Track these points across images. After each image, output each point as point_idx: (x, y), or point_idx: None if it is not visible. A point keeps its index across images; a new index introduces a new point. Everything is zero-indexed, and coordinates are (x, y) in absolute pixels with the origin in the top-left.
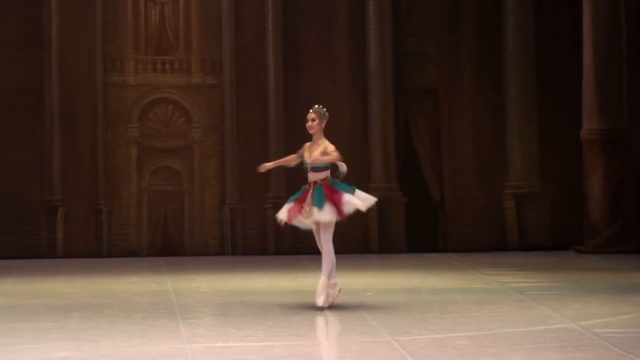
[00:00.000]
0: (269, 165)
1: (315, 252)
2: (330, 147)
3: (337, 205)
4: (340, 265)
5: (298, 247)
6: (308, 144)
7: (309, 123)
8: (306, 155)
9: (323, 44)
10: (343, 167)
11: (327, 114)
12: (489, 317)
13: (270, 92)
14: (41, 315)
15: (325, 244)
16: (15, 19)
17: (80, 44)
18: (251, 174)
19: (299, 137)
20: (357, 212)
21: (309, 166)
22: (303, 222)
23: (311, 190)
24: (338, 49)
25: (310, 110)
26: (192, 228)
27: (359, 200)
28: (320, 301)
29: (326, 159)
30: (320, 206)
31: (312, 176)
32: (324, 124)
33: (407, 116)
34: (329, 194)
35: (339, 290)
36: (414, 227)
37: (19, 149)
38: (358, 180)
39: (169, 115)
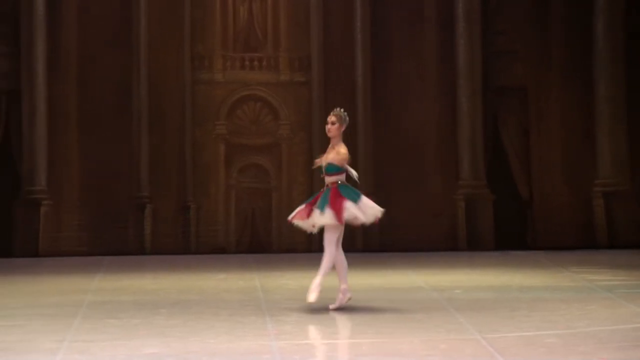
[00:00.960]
0: (319, 161)
1: (403, 249)
2: (342, 150)
3: (337, 210)
4: (428, 262)
5: (385, 245)
6: (329, 147)
7: (328, 126)
8: (323, 158)
9: (411, 42)
10: (354, 173)
11: (347, 118)
12: (577, 315)
13: (358, 89)
14: (129, 312)
15: (327, 246)
16: (105, 18)
17: (169, 42)
18: None
19: (387, 134)
20: (446, 209)
21: (323, 169)
22: (308, 223)
23: (322, 193)
24: (426, 46)
25: (331, 114)
26: (280, 225)
27: (359, 211)
28: (311, 297)
29: (333, 160)
30: (321, 209)
31: (326, 179)
32: (343, 128)
33: (496, 114)
34: (333, 198)
35: (349, 298)
36: (502, 224)
37: (108, 146)
38: (446, 178)
39: (257, 112)
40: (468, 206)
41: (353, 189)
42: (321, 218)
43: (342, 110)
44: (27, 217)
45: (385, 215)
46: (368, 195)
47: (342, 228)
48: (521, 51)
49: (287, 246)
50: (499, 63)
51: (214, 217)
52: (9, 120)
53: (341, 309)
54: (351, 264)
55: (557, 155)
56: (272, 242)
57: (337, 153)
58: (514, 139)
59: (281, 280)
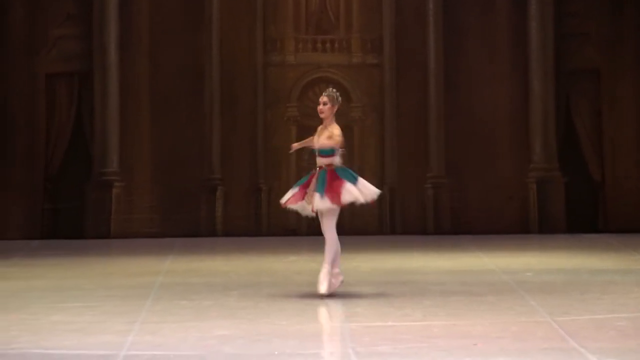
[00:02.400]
0: (295, 145)
1: (475, 232)
2: (336, 132)
3: (336, 192)
4: (500, 245)
5: (457, 227)
6: (320, 127)
7: (320, 107)
8: (315, 139)
9: (483, 24)
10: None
11: (340, 98)
12: None
13: (430, 72)
14: (200, 294)
15: (328, 232)
16: (177, 1)
17: (241, 24)
18: (411, 153)
19: (459, 116)
20: (518, 192)
21: (316, 150)
22: (304, 207)
23: (316, 176)
24: (498, 28)
25: (323, 94)
26: (351, 207)
27: (359, 192)
28: (322, 289)
29: (328, 143)
30: (321, 193)
31: (319, 161)
32: (335, 109)
33: (568, 96)
34: (330, 180)
35: (342, 281)
36: (574, 207)
37: (179, 128)
38: (518, 160)
39: None
40: (540, 189)
41: (349, 170)
42: (321, 202)
43: (334, 90)
44: (99, 198)
45: (456, 197)
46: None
47: (338, 211)
48: (594, 33)
49: (359, 228)
50: (572, 45)
51: None
52: (81, 102)
53: (333, 294)
54: (421, 247)
55: (630, 137)
56: (344, 224)
57: (331, 135)
58: (586, 121)
59: (352, 263)
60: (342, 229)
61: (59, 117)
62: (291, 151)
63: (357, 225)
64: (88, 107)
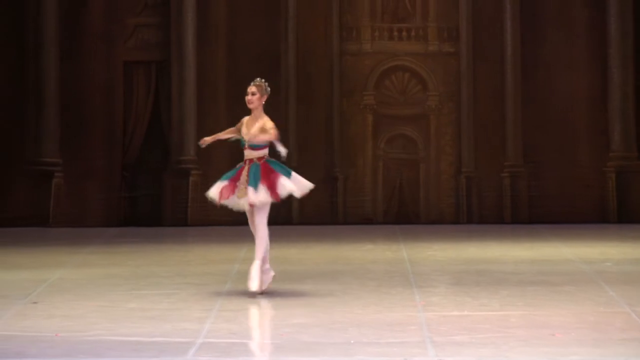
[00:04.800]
0: (208, 139)
1: (552, 221)
2: (269, 124)
3: (272, 186)
4: (578, 234)
5: (534, 216)
6: (246, 118)
7: (249, 97)
8: (244, 130)
9: (560, 10)
10: (283, 150)
11: (268, 89)
12: None
13: (507, 59)
14: (277, 282)
15: (259, 226)
16: None
17: (317, 12)
18: (488, 142)
19: (536, 104)
20: (596, 181)
21: (246, 143)
22: (237, 202)
23: (246, 169)
24: (576, 15)
25: (252, 84)
26: (428, 196)
27: (293, 185)
28: (253, 286)
29: (264, 137)
30: (255, 186)
31: (249, 154)
32: (264, 99)
33: None
34: (265, 174)
35: (272, 276)
36: None
37: None
38: (597, 148)
39: (405, 83)
40: (619, 178)
41: (281, 164)
42: (257, 196)
43: (262, 80)
44: (176, 186)
45: (534, 186)
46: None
47: (269, 206)
48: None
49: (435, 217)
50: None
51: (361, 187)
52: (158, 90)
53: (265, 291)
54: (498, 236)
55: None
56: (420, 212)
57: (264, 128)
58: None
59: (428, 252)
60: (419, 219)
61: (136, 106)
62: (203, 145)
63: (433, 214)
64: (165, 96)
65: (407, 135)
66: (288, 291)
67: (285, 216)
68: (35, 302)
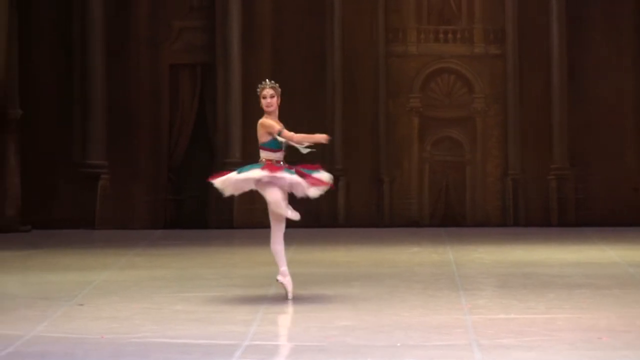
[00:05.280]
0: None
1: (600, 224)
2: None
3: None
4: (625, 238)
5: (581, 219)
6: (272, 120)
7: (268, 100)
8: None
9: (607, 12)
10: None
11: (280, 89)
12: None
13: (554, 62)
14: (323, 284)
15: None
16: None
17: (363, 14)
18: (534, 144)
19: (583, 105)
20: None
21: (284, 145)
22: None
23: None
24: (623, 16)
25: (266, 86)
26: (474, 198)
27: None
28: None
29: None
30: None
31: (278, 156)
32: (279, 101)
33: None
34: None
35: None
36: None
37: (301, 119)
38: None
39: (451, 85)
40: None
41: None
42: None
43: (272, 81)
44: None
45: (581, 189)
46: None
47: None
48: None
49: (481, 219)
50: None
51: (407, 190)
52: (203, 93)
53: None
54: (544, 239)
55: None
56: (466, 215)
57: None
58: None
59: (475, 254)
60: (465, 221)
61: (182, 108)
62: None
63: (479, 217)
64: (211, 98)
65: (453, 137)
66: (334, 294)
67: (331, 218)
68: (81, 304)
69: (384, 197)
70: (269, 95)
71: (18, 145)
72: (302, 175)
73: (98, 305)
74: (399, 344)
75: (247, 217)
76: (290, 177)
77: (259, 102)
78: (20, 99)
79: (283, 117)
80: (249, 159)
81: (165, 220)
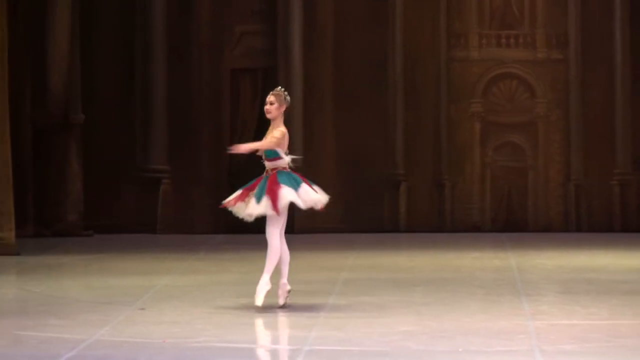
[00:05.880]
0: (243, 147)
1: None
2: (275, 134)
3: (273, 199)
4: None
5: None
6: (270, 128)
7: (267, 106)
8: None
9: None
10: (287, 158)
11: (288, 98)
12: None
13: (617, 66)
14: (384, 289)
15: (270, 238)
16: None
17: (425, 18)
18: (597, 149)
19: None
20: None
21: (263, 154)
22: (242, 210)
23: (261, 180)
24: None
25: (270, 93)
26: (536, 204)
27: (298, 197)
28: (257, 301)
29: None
30: (258, 198)
31: (266, 165)
32: (283, 109)
33: None
34: (270, 186)
35: (289, 291)
36: None
37: (363, 123)
38: None
39: (513, 90)
40: None
41: (293, 175)
42: (257, 208)
43: (282, 89)
44: None
45: None
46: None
47: (285, 218)
48: None
49: (543, 225)
50: None
51: (469, 195)
52: (264, 97)
53: (285, 305)
54: (607, 245)
55: None
56: (528, 220)
57: (272, 136)
58: None
59: (537, 260)
60: (527, 227)
61: (243, 113)
62: (235, 152)
63: (541, 222)
64: None
65: (515, 142)
66: (396, 299)
67: (393, 224)
68: (142, 309)
69: (446, 202)
70: (269, 102)
71: (80, 150)
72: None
73: (160, 309)
74: (460, 350)
75: (307, 222)
76: (292, 195)
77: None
78: (83, 103)
79: (343, 122)
80: (309, 163)
81: (227, 224)
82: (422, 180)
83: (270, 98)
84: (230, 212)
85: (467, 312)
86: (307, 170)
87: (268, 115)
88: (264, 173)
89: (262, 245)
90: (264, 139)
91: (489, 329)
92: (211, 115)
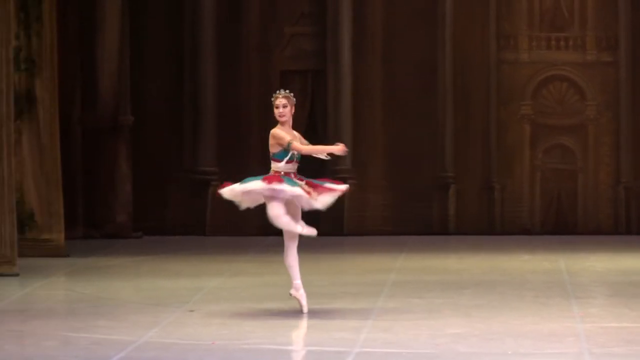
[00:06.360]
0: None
1: None
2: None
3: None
4: None
5: None
6: (284, 131)
7: (281, 110)
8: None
9: None
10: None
11: (294, 99)
12: None
13: None
14: (433, 292)
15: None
16: None
17: (475, 20)
18: None
19: None
20: None
21: (297, 157)
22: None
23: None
24: None
25: (279, 95)
26: (586, 206)
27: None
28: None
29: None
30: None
31: (293, 166)
32: (293, 111)
33: None
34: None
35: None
36: None
37: (412, 126)
38: None
39: (563, 92)
40: None
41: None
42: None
43: (287, 90)
44: None
45: None
46: None
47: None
48: None
49: (593, 227)
50: None
51: (519, 197)
52: (314, 99)
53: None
54: None
55: None
56: (578, 223)
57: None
58: None
59: (587, 262)
60: (576, 229)
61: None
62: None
63: (591, 225)
64: (321, 105)
65: (565, 145)
66: (445, 301)
67: (442, 226)
68: (192, 310)
69: (495, 204)
70: (282, 105)
71: (129, 151)
72: (312, 186)
73: (209, 311)
74: (510, 352)
75: (357, 224)
76: (291, 189)
77: (272, 112)
78: (132, 105)
79: (394, 123)
80: (359, 166)
81: (276, 226)
82: (472, 182)
83: (282, 101)
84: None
85: (516, 314)
86: (356, 172)
87: (283, 119)
88: (288, 175)
89: (313, 247)
90: (297, 142)
91: (539, 331)
92: (260, 116)
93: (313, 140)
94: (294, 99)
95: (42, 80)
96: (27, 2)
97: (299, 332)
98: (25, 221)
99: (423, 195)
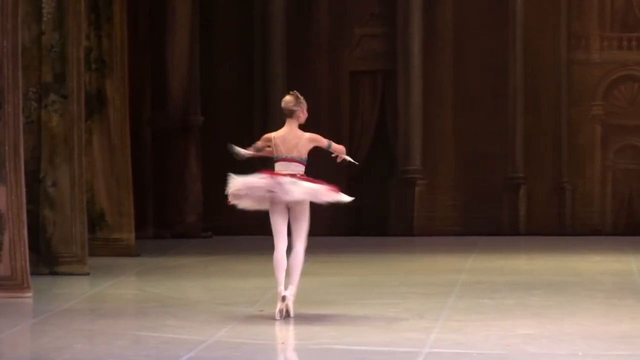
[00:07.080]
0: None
1: None
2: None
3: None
4: None
5: None
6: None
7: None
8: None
9: None
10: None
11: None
12: None
13: None
14: (503, 292)
15: None
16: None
17: (546, 21)
18: None
19: None
20: None
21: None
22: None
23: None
24: None
25: (295, 102)
26: (631, 208)
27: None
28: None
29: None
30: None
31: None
32: None
33: None
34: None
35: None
36: None
37: (483, 126)
38: None
39: (635, 93)
40: None
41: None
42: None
43: (295, 91)
44: (402, 196)
45: None
46: None
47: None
48: None
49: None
50: None
51: (590, 198)
52: (384, 100)
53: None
54: None
55: None
56: (618, 225)
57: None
58: None
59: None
60: (617, 229)
61: (362, 115)
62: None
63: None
64: (391, 106)
65: (637, 145)
66: (515, 302)
67: (512, 227)
68: (261, 310)
69: (566, 205)
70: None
71: (199, 152)
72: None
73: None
74: (580, 353)
75: (426, 225)
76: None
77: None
78: (202, 105)
79: (464, 124)
80: (429, 166)
81: (345, 227)
82: (542, 183)
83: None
84: (348, 214)
85: (587, 315)
86: (426, 173)
87: (300, 121)
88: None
89: (381, 247)
90: (320, 140)
91: (610, 332)
92: (330, 116)
93: (384, 142)
94: (305, 104)
95: (112, 80)
96: (97, 3)
97: (369, 332)
98: (95, 221)
99: (493, 196)
